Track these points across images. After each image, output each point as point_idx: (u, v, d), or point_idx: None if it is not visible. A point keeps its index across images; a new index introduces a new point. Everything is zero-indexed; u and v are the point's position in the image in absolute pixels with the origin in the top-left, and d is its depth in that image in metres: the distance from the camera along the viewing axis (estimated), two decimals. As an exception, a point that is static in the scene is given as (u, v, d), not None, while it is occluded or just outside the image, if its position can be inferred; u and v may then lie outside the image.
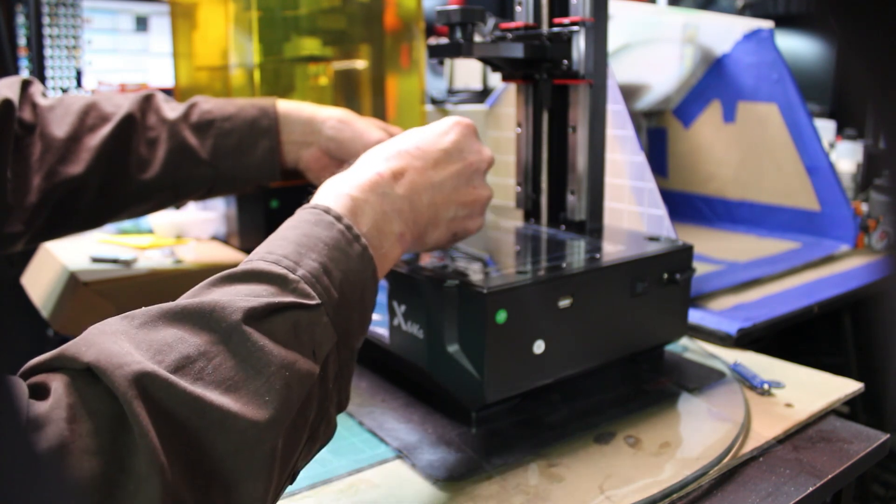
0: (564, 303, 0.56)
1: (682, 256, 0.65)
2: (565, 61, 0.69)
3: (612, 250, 0.64)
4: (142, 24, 1.39)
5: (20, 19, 1.26)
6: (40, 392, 0.30)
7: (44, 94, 0.72)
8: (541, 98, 0.73)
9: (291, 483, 0.40)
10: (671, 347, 0.73)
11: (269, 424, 0.34)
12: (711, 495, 0.50)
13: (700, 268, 0.89)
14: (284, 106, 0.78)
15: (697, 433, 0.58)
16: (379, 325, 0.62)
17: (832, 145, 1.40)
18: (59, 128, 0.69)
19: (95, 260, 0.87)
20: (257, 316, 0.36)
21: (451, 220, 0.54)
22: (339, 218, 0.44)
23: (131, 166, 0.73)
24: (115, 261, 0.86)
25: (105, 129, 0.71)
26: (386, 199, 0.48)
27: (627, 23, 1.14)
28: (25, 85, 0.70)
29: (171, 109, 0.75)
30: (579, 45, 0.68)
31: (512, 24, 0.71)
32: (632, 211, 0.85)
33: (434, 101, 1.20)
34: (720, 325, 0.77)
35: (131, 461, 0.30)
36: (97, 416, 0.30)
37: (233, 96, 0.92)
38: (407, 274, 0.57)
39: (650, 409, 0.61)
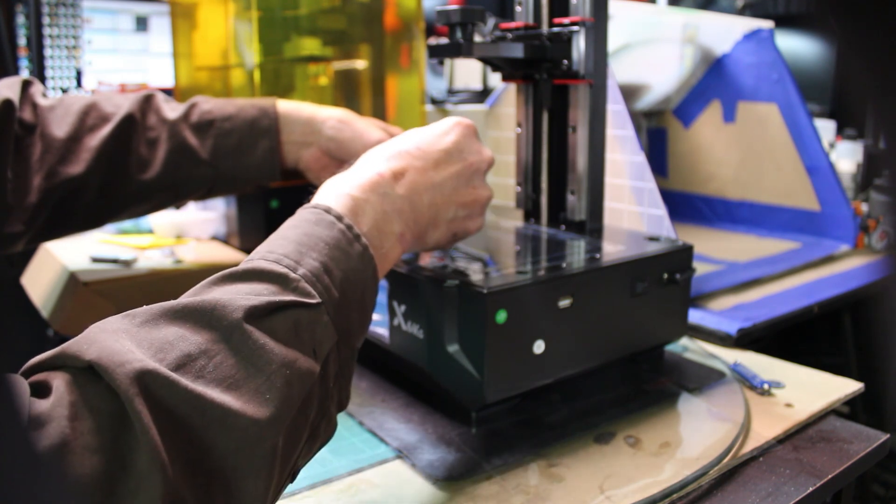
0: (564, 303, 0.56)
1: (682, 256, 0.65)
2: (565, 61, 0.69)
3: (612, 250, 0.64)
4: (142, 24, 1.39)
5: (20, 19, 1.26)
6: (42, 390, 0.31)
7: (44, 95, 0.72)
8: (541, 98, 0.73)
9: (292, 481, 0.40)
10: (671, 347, 0.73)
11: (269, 422, 0.34)
12: (711, 495, 0.50)
13: (700, 268, 0.90)
14: (284, 106, 0.78)
15: (697, 433, 0.58)
16: (379, 325, 0.62)
17: (832, 145, 1.40)
18: (60, 128, 0.70)
19: (95, 260, 0.87)
20: (258, 314, 0.36)
21: (451, 221, 0.54)
22: (339, 217, 0.44)
23: (131, 166, 0.73)
24: (115, 261, 0.86)
25: (105, 130, 0.71)
26: (386, 199, 0.48)
27: (627, 23, 1.14)
28: (26, 85, 0.70)
29: (172, 109, 0.75)
30: (579, 45, 0.68)
31: (512, 24, 0.71)
32: (632, 211, 0.85)
33: (434, 101, 1.20)
34: (720, 325, 0.77)
35: (132, 459, 0.30)
36: (98, 413, 0.30)
37: (233, 96, 0.92)
38: (407, 274, 0.57)
39: (650, 409, 0.61)
